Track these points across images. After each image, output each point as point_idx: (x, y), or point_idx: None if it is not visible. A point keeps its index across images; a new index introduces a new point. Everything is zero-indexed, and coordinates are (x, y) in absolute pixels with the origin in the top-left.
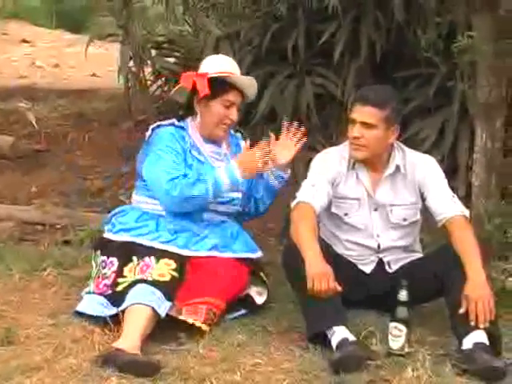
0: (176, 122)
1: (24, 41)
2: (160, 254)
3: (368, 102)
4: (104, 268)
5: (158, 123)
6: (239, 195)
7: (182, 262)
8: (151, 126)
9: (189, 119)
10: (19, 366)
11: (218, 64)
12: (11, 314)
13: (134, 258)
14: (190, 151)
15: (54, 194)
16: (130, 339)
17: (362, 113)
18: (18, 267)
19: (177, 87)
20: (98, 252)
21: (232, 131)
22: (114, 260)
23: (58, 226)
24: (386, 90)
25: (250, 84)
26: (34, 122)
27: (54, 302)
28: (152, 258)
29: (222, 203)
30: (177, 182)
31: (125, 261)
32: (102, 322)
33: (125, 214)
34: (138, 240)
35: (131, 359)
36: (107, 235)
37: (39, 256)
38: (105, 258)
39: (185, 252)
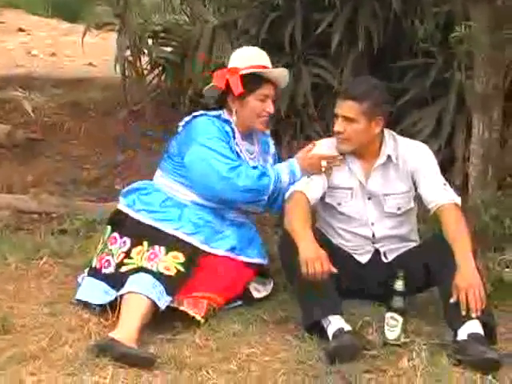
0: (222, 115)
1: (20, 30)
2: (171, 246)
3: (347, 96)
4: (112, 244)
5: (203, 112)
6: (265, 196)
7: (193, 256)
8: (194, 113)
9: (225, 115)
10: (15, 355)
11: (248, 58)
12: (7, 302)
13: (145, 243)
14: (233, 144)
15: (49, 183)
16: (126, 330)
17: (342, 107)
18: (14, 256)
19: (209, 85)
20: (109, 228)
21: (267, 131)
22: (128, 241)
23: (54, 215)
24: (367, 83)
25: (281, 76)
26: (30, 111)
27: (50, 291)
28: (162, 248)
29: (247, 203)
30: (242, 170)
31: (136, 243)
32: (98, 310)
33: (148, 193)
34: (160, 226)
35: (127, 352)
36: (127, 210)
37: (35, 245)
38: (117, 235)
39: (204, 247)
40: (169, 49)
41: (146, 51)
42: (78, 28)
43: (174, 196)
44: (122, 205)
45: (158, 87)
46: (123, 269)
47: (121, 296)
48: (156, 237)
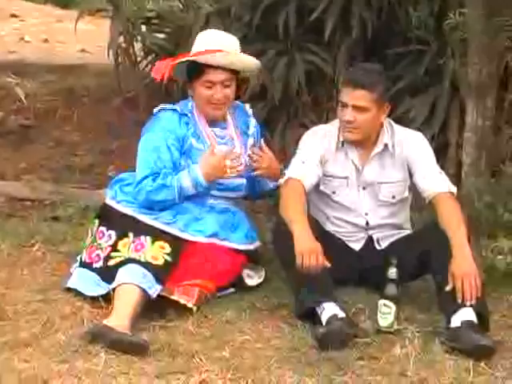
0: (178, 108)
1: (13, 15)
2: (156, 236)
3: (359, 85)
4: (100, 239)
5: (162, 106)
6: (243, 181)
7: (177, 245)
8: (155, 109)
9: (193, 103)
10: (7, 342)
11: (206, 42)
12: (0, 289)
13: (131, 235)
14: (188, 138)
15: (42, 170)
16: (119, 318)
17: (353, 97)
18: (6, 243)
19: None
20: (97, 221)
21: (247, 107)
22: (113, 233)
23: (47, 202)
24: (374, 70)
25: (224, 58)
26: (22, 98)
27: (42, 278)
28: (148, 238)
29: (224, 190)
30: (142, 186)
31: (121, 235)
32: (90, 298)
33: (129, 183)
34: (139, 216)
35: (120, 338)
36: (110, 202)
37: (28, 232)
38: (103, 228)
39: (184, 235)
40: (162, 35)
41: (139, 38)
42: (71, 14)
43: None
44: (108, 197)
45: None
46: (111, 262)
47: (113, 289)
48: (139, 227)
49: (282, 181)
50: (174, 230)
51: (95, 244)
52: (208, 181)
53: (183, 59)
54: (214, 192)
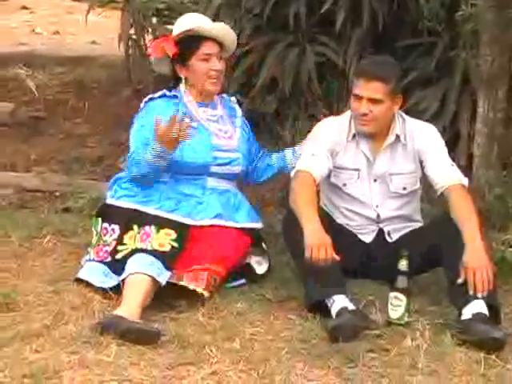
0: (167, 93)
1: (24, 7)
2: (161, 224)
3: (374, 77)
4: (105, 235)
5: (150, 96)
6: (239, 155)
7: (183, 231)
8: (144, 99)
9: (182, 86)
10: (19, 333)
11: (181, 24)
12: (11, 280)
13: (135, 227)
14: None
15: (53, 162)
16: (129, 307)
17: (368, 89)
18: (17, 234)
19: (152, 59)
20: (99, 219)
21: (226, 95)
22: (116, 227)
23: (58, 194)
24: (389, 62)
25: (218, 30)
26: (33, 89)
27: (53, 269)
28: (152, 227)
29: (222, 165)
30: (128, 162)
31: (126, 228)
32: (101, 289)
33: (127, 181)
34: (142, 208)
35: (131, 326)
36: (110, 201)
37: (39, 223)
38: (106, 225)
39: (188, 221)
40: (173, 27)
41: (149, 29)
42: (82, 6)
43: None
44: (107, 197)
45: None
46: (118, 255)
47: (122, 281)
48: (143, 219)
49: (292, 173)
50: (177, 217)
51: (101, 242)
52: (169, 149)
53: (186, 28)
54: (214, 169)
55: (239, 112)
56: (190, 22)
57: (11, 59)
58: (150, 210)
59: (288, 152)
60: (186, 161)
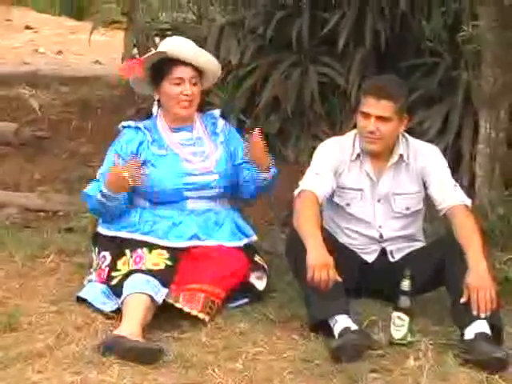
0: (132, 124)
1: (27, 27)
2: (152, 245)
3: (384, 95)
4: (99, 260)
5: (122, 123)
6: (215, 177)
7: (173, 251)
8: (119, 126)
9: (154, 110)
10: (21, 353)
11: (160, 47)
12: (14, 300)
13: (127, 251)
14: (147, 148)
15: (57, 181)
16: (130, 326)
17: (378, 107)
18: (20, 254)
19: (130, 79)
20: (93, 245)
21: (215, 112)
22: (106, 254)
23: (61, 213)
24: (396, 81)
25: (189, 54)
26: (37, 109)
27: (56, 289)
28: (144, 249)
29: (197, 189)
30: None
31: (117, 254)
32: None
33: None
34: (119, 234)
35: (133, 346)
36: (98, 228)
37: (42, 243)
38: (99, 250)
39: (163, 242)
40: None
41: (152, 49)
42: (85, 26)
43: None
44: (99, 225)
45: None
46: (114, 281)
47: (122, 303)
48: (133, 243)
49: (295, 193)
50: (152, 239)
51: (99, 267)
52: (112, 190)
53: (152, 53)
54: (188, 193)
55: (220, 126)
56: (166, 44)
57: (15, 79)
58: (127, 234)
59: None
60: (155, 190)
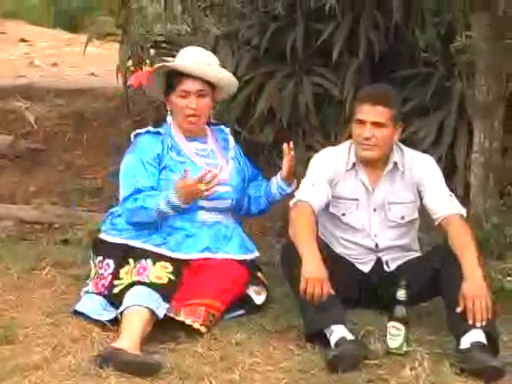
0: (151, 129)
1: (22, 40)
2: (156, 257)
3: (378, 101)
4: (101, 269)
5: (137, 131)
6: (228, 188)
7: (178, 264)
8: (132, 134)
9: (168, 119)
10: (18, 365)
11: (178, 58)
12: (10, 313)
13: (131, 261)
14: (167, 153)
15: (52, 193)
16: (128, 339)
17: (372, 113)
18: (16, 266)
19: (147, 88)
20: (95, 252)
21: (223, 127)
22: (110, 262)
23: (57, 225)
24: (390, 89)
25: (194, 69)
26: (32, 121)
27: (52, 301)
28: (148, 260)
29: (211, 199)
30: (124, 207)
31: (121, 263)
32: (100, 321)
33: (119, 215)
34: (130, 242)
35: (131, 359)
36: (102, 235)
37: (38, 255)
38: (101, 258)
39: (177, 255)
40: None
41: (147, 61)
42: (80, 38)
43: None
44: (102, 231)
45: None
46: (115, 290)
47: (121, 314)
48: (138, 253)
49: (291, 203)
50: (165, 251)
51: (98, 275)
52: (186, 203)
53: (159, 65)
54: (202, 203)
55: (232, 143)
56: (179, 55)
57: (10, 91)
58: (138, 243)
59: (273, 180)
60: None
